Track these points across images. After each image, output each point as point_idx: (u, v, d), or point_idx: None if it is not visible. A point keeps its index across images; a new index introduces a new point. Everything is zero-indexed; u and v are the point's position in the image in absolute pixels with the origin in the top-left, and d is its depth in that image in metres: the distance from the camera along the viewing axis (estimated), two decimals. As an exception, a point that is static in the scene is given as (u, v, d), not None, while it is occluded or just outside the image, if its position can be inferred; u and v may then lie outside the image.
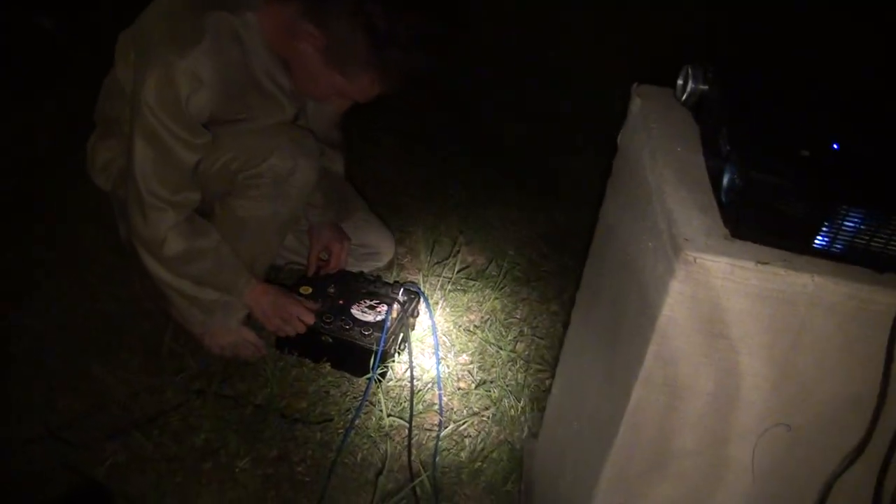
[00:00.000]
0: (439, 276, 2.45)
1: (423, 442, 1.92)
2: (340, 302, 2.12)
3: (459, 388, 2.09)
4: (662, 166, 1.13)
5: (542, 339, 2.27)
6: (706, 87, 1.23)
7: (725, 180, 1.00)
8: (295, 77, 1.84)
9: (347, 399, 2.00)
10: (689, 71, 1.25)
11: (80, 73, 2.86)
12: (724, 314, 0.96)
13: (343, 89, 1.79)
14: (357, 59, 1.70)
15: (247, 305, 2.05)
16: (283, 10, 1.74)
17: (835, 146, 0.99)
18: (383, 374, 2.04)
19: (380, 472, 1.83)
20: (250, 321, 2.15)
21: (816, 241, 0.95)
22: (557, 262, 2.60)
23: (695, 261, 0.94)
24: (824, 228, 0.94)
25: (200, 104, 1.75)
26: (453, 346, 2.21)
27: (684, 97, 1.25)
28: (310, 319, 2.04)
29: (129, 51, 1.83)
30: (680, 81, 1.27)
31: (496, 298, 2.39)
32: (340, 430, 1.91)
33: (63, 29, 3.11)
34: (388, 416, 1.95)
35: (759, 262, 0.93)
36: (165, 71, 1.69)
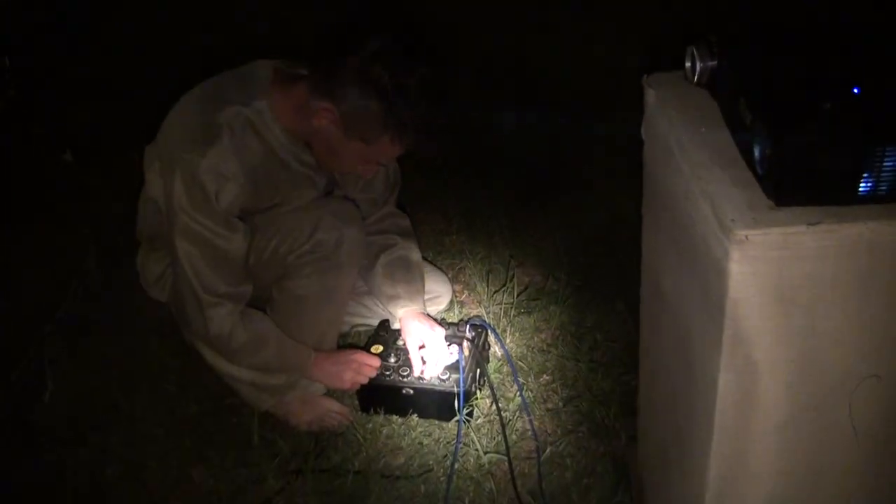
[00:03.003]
0: (500, 303, 2.45)
1: (526, 471, 1.92)
2: (413, 352, 2.14)
3: (548, 410, 2.09)
4: (691, 151, 1.13)
5: (614, 342, 2.26)
6: (714, 63, 1.23)
7: (756, 151, 1.00)
8: (318, 154, 1.88)
9: (442, 445, 2.01)
10: (694, 51, 1.25)
11: (102, 196, 2.97)
12: (789, 282, 0.96)
13: (366, 155, 1.82)
14: (373, 123, 1.73)
15: (314, 377, 2.09)
16: (292, 91, 1.80)
17: (855, 90, 0.98)
18: (470, 414, 2.05)
19: (491, 511, 1.83)
20: (330, 391, 2.17)
21: (861, 188, 0.94)
22: (611, 259, 2.57)
23: (747, 238, 0.94)
24: (865, 174, 0.93)
25: (230, 198, 1.81)
26: (531, 369, 2.21)
27: (696, 77, 1.25)
28: (375, 362, 2.08)
29: (153, 163, 1.91)
30: (688, 63, 1.27)
31: (562, 312, 2.39)
32: (443, 479, 1.91)
33: (81, 160, 3.32)
34: (486, 453, 1.96)
35: (809, 224, 0.93)
36: (190, 173, 1.76)
